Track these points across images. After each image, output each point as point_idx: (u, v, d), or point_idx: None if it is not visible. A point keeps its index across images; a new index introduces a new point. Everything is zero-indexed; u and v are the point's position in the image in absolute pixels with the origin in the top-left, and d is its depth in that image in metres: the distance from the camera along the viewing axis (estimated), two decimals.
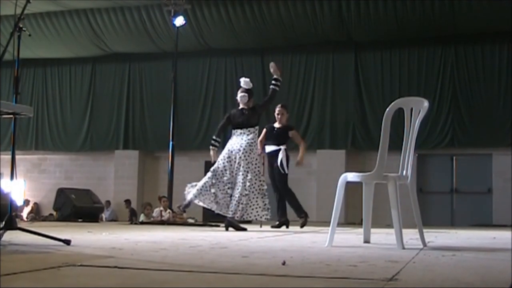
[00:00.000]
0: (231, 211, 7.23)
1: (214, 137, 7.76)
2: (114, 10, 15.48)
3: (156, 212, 11.72)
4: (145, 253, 3.53)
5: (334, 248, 4.00)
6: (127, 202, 16.15)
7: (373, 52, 15.25)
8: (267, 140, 8.55)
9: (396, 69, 15.10)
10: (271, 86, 7.69)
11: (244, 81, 7.68)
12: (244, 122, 7.45)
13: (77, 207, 11.90)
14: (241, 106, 7.60)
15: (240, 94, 7.59)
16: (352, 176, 4.33)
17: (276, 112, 8.65)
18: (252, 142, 7.39)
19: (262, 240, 5.12)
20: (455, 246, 4.63)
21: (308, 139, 15.15)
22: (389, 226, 4.99)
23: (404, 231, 4.17)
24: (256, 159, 7.40)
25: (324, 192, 13.99)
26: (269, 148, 8.48)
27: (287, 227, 8.26)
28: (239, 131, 7.47)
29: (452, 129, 14.51)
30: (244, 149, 7.31)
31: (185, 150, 15.83)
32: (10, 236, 4.17)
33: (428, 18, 13.89)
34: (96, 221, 11.90)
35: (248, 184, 7.23)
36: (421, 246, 4.26)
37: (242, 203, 7.23)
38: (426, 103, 4.25)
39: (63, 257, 3.16)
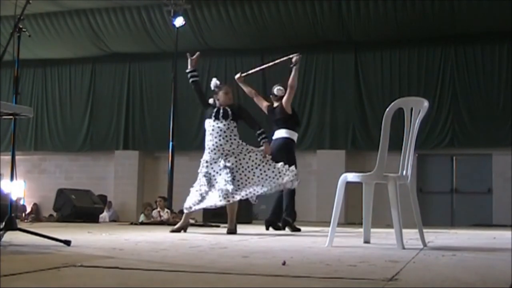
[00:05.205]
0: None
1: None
2: (114, 10, 15.47)
3: (155, 213, 11.74)
4: (145, 253, 3.53)
5: (334, 248, 3.99)
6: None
7: (373, 52, 15.24)
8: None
9: (396, 69, 15.09)
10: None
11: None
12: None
13: (77, 207, 11.88)
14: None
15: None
16: (352, 176, 4.33)
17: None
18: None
19: (262, 240, 5.12)
20: (455, 246, 4.63)
21: (308, 139, 15.15)
22: (389, 226, 4.99)
23: (404, 231, 4.17)
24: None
25: (324, 192, 13.97)
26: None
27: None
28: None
29: (452, 129, 14.50)
30: None
31: (185, 150, 15.81)
32: (10, 236, 4.17)
33: (428, 18, 13.88)
34: (97, 222, 11.89)
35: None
36: (421, 246, 4.26)
37: None
38: (426, 103, 4.25)
39: (63, 257, 3.16)
